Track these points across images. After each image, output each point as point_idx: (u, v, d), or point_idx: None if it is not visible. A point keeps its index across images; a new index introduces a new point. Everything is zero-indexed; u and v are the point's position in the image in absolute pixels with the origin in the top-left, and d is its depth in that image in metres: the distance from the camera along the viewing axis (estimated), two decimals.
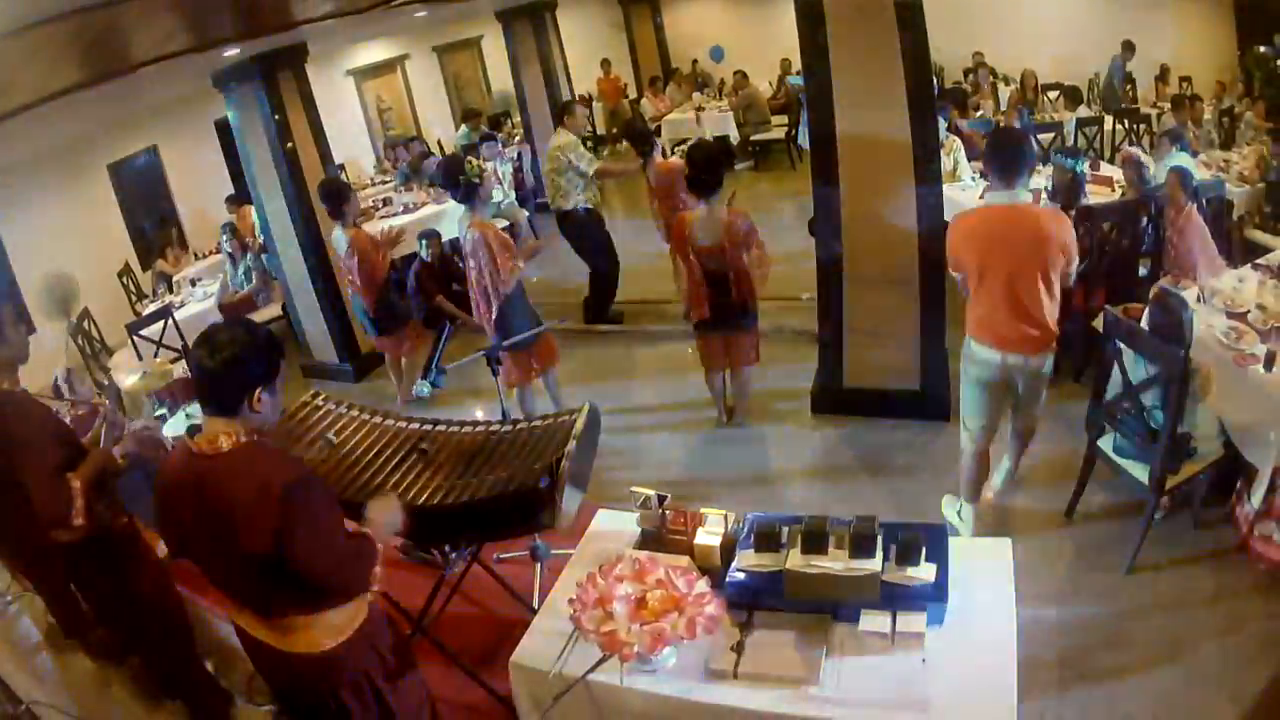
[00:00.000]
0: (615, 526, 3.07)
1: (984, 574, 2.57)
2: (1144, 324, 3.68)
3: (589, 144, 10.70)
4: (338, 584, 2.16)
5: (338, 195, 5.58)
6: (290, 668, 2.24)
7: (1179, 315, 3.36)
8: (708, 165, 4.53)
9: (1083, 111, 9.12)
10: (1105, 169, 6.83)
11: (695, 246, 4.55)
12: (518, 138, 10.82)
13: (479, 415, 5.50)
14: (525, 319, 4.78)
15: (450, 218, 8.06)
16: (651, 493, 2.95)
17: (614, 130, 13.09)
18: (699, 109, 11.86)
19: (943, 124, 7.11)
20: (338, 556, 2.10)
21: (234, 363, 2.01)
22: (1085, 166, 5.90)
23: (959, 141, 7.12)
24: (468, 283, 4.76)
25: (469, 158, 4.91)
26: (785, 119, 11.34)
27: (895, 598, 2.43)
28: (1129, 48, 10.00)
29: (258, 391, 2.06)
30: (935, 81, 8.77)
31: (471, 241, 4.57)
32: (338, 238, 5.63)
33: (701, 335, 4.91)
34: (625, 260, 7.10)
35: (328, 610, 2.19)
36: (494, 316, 4.67)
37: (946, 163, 6.91)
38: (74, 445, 3.05)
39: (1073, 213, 5.15)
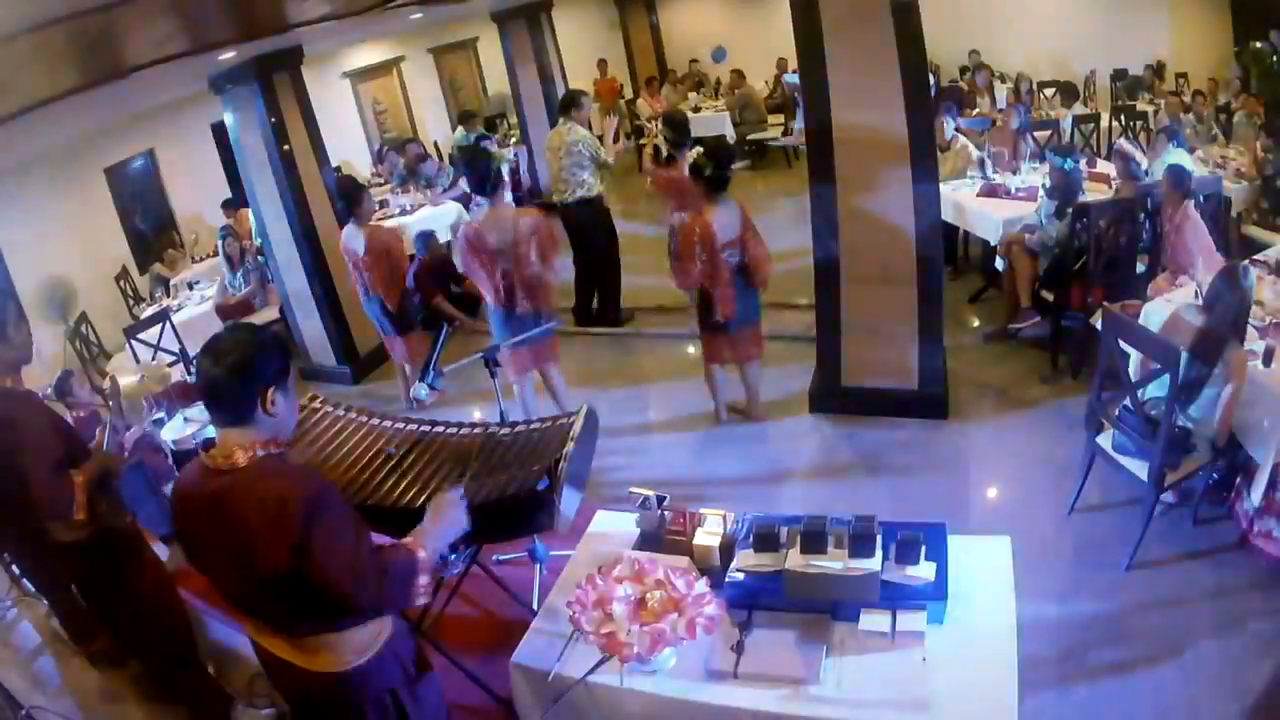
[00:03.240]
0: (614, 527, 3.08)
1: (983, 572, 2.57)
2: (1202, 297, 3.78)
3: None
4: (360, 603, 2.03)
5: (351, 195, 5.55)
6: (313, 686, 2.16)
7: (1242, 286, 3.51)
8: (726, 161, 4.55)
9: (1079, 109, 9.13)
10: (1102, 166, 6.84)
11: (720, 244, 4.53)
12: (514, 139, 10.82)
13: (477, 417, 5.50)
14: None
15: (448, 218, 8.08)
16: (650, 493, 2.96)
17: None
18: (695, 109, 11.86)
19: (950, 124, 7.11)
20: (358, 574, 1.97)
21: (242, 366, 1.93)
22: (1082, 164, 5.91)
23: (967, 140, 7.13)
24: (516, 271, 4.60)
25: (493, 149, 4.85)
26: (782, 118, 11.34)
27: (895, 597, 2.43)
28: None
29: (269, 392, 1.97)
30: (932, 80, 8.80)
31: (526, 228, 4.53)
32: (351, 236, 5.57)
33: (712, 332, 4.85)
34: (623, 261, 7.09)
35: (352, 628, 2.11)
36: (546, 300, 4.72)
37: (957, 161, 6.92)
38: (76, 444, 3.06)
39: (1069, 210, 5.18)
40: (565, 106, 6.63)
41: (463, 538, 2.44)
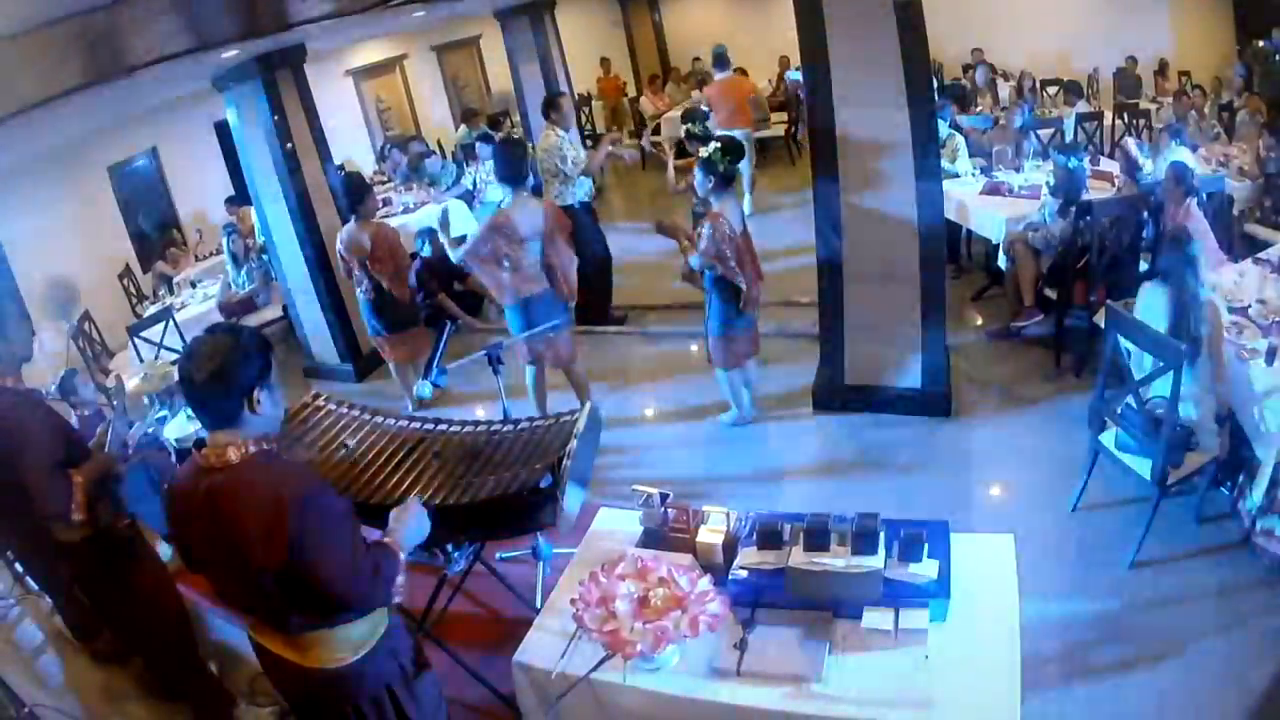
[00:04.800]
0: (617, 525, 3.08)
1: (986, 570, 2.57)
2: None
3: (586, 140, 10.66)
4: (355, 598, 2.06)
5: (356, 192, 5.53)
6: (309, 683, 2.17)
7: (1188, 251, 3.62)
8: (739, 158, 4.57)
9: (1082, 107, 9.11)
10: (1105, 164, 6.82)
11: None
12: (517, 137, 10.81)
13: (480, 415, 5.51)
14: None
15: (451, 216, 8.06)
16: (654, 491, 2.96)
17: (614, 127, 13.10)
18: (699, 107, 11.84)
19: (944, 123, 7.10)
20: (353, 570, 2.00)
21: (224, 371, 1.94)
22: (1085, 162, 5.90)
23: (961, 139, 7.11)
24: (549, 262, 4.68)
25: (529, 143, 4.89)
26: (784, 116, 11.32)
27: (898, 594, 2.43)
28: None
29: (254, 394, 1.98)
30: (934, 78, 8.78)
31: (552, 215, 4.65)
32: (355, 233, 5.48)
33: (743, 332, 4.82)
34: (625, 260, 7.09)
35: (348, 624, 2.12)
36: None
37: (948, 164, 6.90)
38: (76, 443, 3.06)
39: (1073, 209, 5.17)
40: (545, 110, 6.66)
41: (465, 536, 2.44)
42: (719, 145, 4.52)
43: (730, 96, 8.72)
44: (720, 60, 8.75)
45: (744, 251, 4.57)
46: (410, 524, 2.33)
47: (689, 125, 6.33)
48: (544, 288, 4.70)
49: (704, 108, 8.54)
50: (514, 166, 4.65)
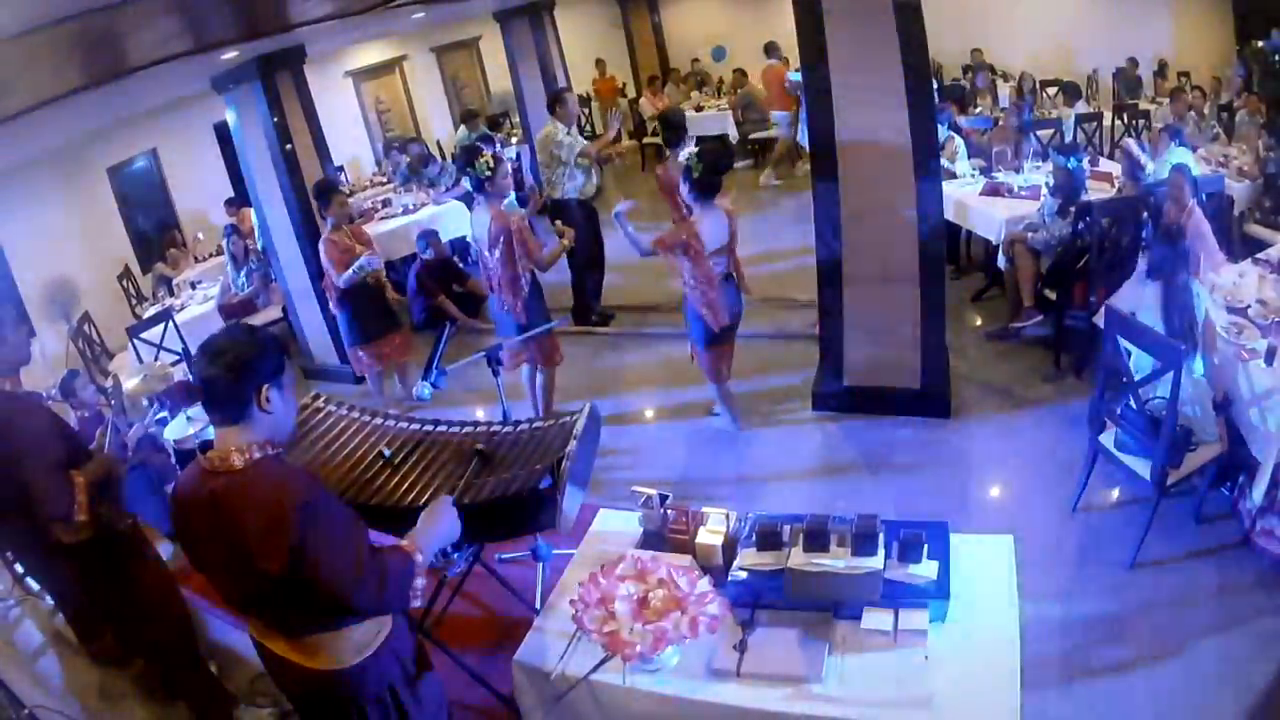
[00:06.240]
0: (617, 526, 3.08)
1: (986, 571, 2.57)
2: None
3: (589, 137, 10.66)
4: (359, 604, 2.04)
5: (318, 196, 5.55)
6: (313, 684, 2.17)
7: (1181, 246, 3.77)
8: (719, 166, 4.46)
9: (1081, 107, 9.12)
10: (1104, 164, 6.83)
11: (708, 252, 4.44)
12: (516, 138, 10.81)
13: (480, 416, 5.50)
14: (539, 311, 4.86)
15: (451, 218, 8.09)
16: (653, 492, 2.96)
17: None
18: (698, 108, 11.84)
19: (943, 127, 7.11)
20: (356, 576, 1.98)
21: (237, 366, 1.94)
22: (1084, 163, 5.90)
23: (960, 141, 7.12)
24: (499, 271, 4.69)
25: (486, 150, 4.83)
26: None
27: (897, 595, 2.43)
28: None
29: (264, 389, 1.98)
30: (934, 79, 8.78)
31: (492, 233, 4.58)
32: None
33: (724, 344, 4.79)
34: (624, 261, 7.09)
35: (351, 627, 2.12)
36: (521, 305, 4.72)
37: (948, 163, 6.91)
38: (77, 444, 3.07)
39: (1072, 209, 5.18)
40: (550, 106, 6.72)
41: (464, 536, 2.43)
42: (696, 152, 4.43)
43: (772, 81, 10.58)
44: (768, 49, 10.67)
45: (706, 264, 4.46)
46: (438, 525, 2.30)
47: (662, 126, 6.37)
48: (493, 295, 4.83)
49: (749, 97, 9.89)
50: (470, 174, 4.65)
